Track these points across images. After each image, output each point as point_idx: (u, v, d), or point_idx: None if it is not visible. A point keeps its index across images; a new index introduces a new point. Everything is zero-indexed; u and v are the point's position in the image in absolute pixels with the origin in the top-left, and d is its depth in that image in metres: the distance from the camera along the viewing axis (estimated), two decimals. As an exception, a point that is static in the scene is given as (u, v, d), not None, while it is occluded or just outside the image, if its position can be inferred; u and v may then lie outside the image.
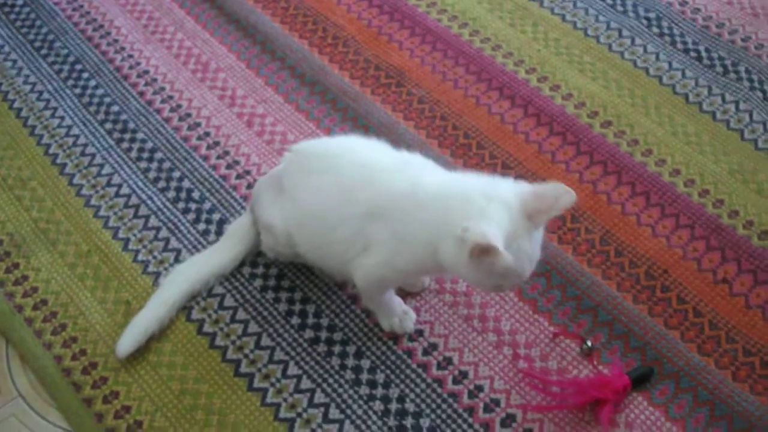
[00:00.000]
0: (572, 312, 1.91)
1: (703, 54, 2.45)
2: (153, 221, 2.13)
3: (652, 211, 2.08)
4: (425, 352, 1.87)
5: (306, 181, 1.73)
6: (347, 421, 1.78)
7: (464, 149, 2.24)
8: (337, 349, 1.88)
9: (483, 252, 1.41)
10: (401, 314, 1.87)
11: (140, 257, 2.07)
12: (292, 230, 1.77)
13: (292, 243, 1.79)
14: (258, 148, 2.26)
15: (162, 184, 2.21)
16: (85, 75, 2.49)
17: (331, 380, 1.84)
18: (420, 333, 1.89)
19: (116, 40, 2.57)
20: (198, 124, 2.33)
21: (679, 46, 2.47)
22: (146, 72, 2.48)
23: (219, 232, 2.08)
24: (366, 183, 1.65)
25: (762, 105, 2.29)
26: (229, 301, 1.97)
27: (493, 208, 1.49)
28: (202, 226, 2.11)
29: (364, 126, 2.28)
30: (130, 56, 2.53)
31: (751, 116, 2.27)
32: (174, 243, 2.09)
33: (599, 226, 2.05)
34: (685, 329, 1.87)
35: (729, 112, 2.28)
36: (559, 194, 1.48)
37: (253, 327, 1.92)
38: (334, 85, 2.40)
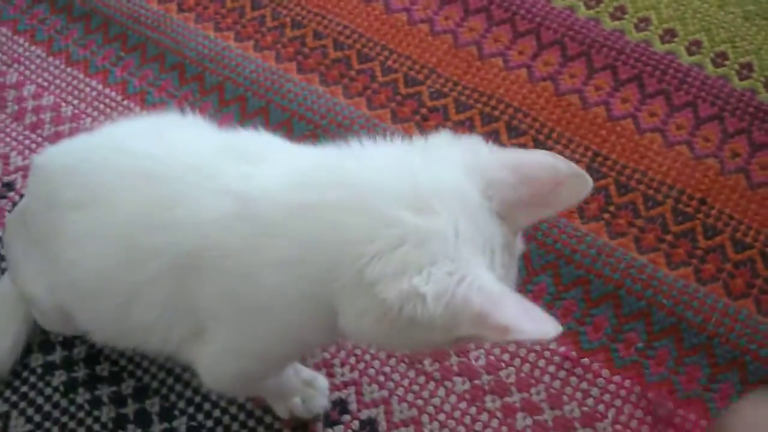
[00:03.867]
0: (579, 307, 1.31)
1: None
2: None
3: (653, 105, 1.51)
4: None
5: (63, 224, 1.07)
6: None
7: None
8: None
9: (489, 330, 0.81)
10: (303, 388, 1.26)
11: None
12: (66, 306, 1.14)
13: (74, 323, 1.17)
14: (18, 140, 1.58)
15: None
16: None
17: None
18: (342, 406, 1.27)
19: None
20: None
21: None
22: None
23: None
24: (160, 212, 0.99)
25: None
26: (17, 425, 1.30)
27: (441, 225, 0.84)
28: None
29: (178, 64, 1.64)
30: None
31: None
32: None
33: (581, 148, 1.47)
34: (758, 292, 1.31)
35: None
36: (559, 176, 0.88)
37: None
38: (117, 11, 1.74)
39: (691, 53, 1.56)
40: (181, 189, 0.99)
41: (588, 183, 0.88)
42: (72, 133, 1.58)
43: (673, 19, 1.60)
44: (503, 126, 1.48)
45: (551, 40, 1.59)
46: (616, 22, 1.60)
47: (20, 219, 1.23)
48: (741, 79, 1.52)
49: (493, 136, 1.46)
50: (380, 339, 0.92)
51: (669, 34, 1.59)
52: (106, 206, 1.04)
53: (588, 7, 1.62)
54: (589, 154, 1.45)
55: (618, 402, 1.23)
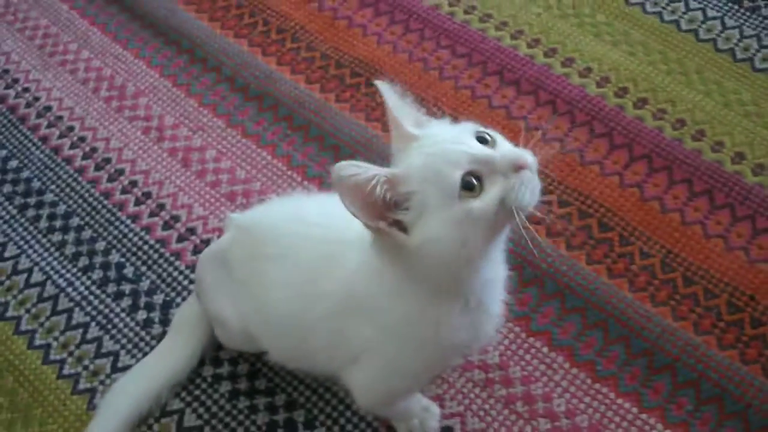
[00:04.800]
0: (643, 373, 1.51)
1: (743, -6, 1.97)
2: (78, 316, 1.67)
3: (720, 216, 1.68)
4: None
5: (261, 270, 1.31)
6: None
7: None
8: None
9: None
10: (420, 412, 1.47)
11: (67, 370, 1.62)
12: (252, 330, 1.37)
13: (255, 343, 1.40)
14: (200, 194, 1.82)
15: (84, 261, 1.74)
16: (-29, 121, 1.96)
17: None
18: None
19: (6, 71, 2.06)
20: (120, 172, 1.87)
21: (712, -13, 1.99)
22: (48, 109, 2.00)
23: (165, 321, 1.64)
24: (327, 265, 1.21)
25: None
26: (190, 419, 1.54)
27: None
28: (141, 315, 1.66)
29: (334, 146, 1.85)
30: (26, 90, 2.04)
31: (817, 69, 1.80)
32: (108, 344, 1.63)
33: (657, 246, 1.65)
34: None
35: None
36: None
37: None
38: (286, 95, 1.95)
39: (755, 174, 1.70)
40: (339, 249, 1.20)
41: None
42: (244, 193, 1.78)
43: (744, 144, 1.75)
44: (595, 222, 1.68)
45: (641, 153, 1.75)
46: (695, 143, 1.76)
47: (217, 258, 1.42)
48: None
49: (586, 230, 1.68)
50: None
51: (738, 156, 1.73)
52: (292, 260, 1.26)
53: (674, 129, 1.78)
54: (663, 251, 1.63)
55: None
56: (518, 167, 0.97)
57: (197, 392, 1.57)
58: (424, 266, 1.02)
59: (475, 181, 0.97)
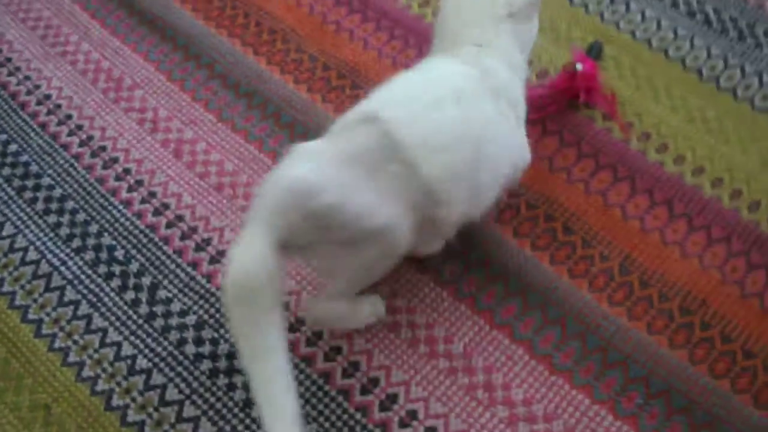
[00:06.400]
0: (597, 368, 1.61)
1: (712, 16, 2.11)
2: (70, 293, 1.77)
3: (677, 224, 1.77)
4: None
5: (427, 116, 1.47)
6: None
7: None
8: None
9: None
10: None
11: (58, 343, 1.72)
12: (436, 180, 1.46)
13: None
14: (190, 184, 1.91)
15: (77, 242, 1.84)
16: (-27, 107, 2.05)
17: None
18: (413, 415, 1.59)
19: (9, 59, 2.15)
20: (115, 160, 1.96)
21: (683, 8, 2.13)
22: (48, 97, 2.10)
23: (151, 302, 1.74)
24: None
25: (788, 74, 1.93)
26: (172, 394, 1.64)
27: None
28: (130, 295, 1.76)
29: None
30: (27, 78, 2.14)
31: (778, 89, 1.90)
32: (98, 321, 1.73)
33: (617, 250, 1.75)
34: (735, 376, 1.58)
35: (752, 88, 1.96)
36: None
37: (207, 427, 1.59)
38: (275, 94, 2.04)
39: (714, 187, 1.79)
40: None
41: None
42: (231, 184, 1.88)
43: (704, 159, 1.84)
44: (560, 225, 1.78)
45: (606, 163, 1.84)
46: (659, 155, 1.84)
47: (353, 160, 1.41)
48: None
49: (551, 232, 1.78)
50: None
51: (699, 170, 1.82)
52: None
53: (639, 141, 1.87)
54: (622, 255, 1.72)
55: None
56: None
57: (179, 368, 1.67)
58: None
59: None
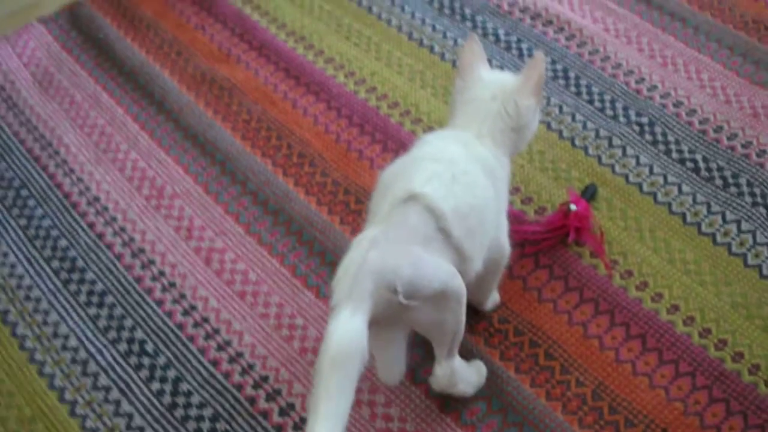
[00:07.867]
0: None
1: (701, 164, 2.29)
2: (102, 380, 1.97)
3: (648, 357, 1.90)
4: None
5: (451, 190, 1.70)
6: None
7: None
8: None
9: None
10: None
11: (89, 423, 1.91)
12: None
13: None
14: (217, 290, 2.09)
15: (113, 334, 2.04)
16: (31, 202, 2.30)
17: None
18: None
19: (65, 161, 2.39)
20: (152, 262, 2.15)
21: (675, 155, 2.31)
22: (97, 199, 2.32)
23: (174, 393, 1.94)
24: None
25: (766, 224, 2.13)
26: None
27: None
28: (155, 386, 1.95)
29: (332, 262, 2.06)
30: (80, 180, 2.37)
31: (754, 238, 2.10)
32: (126, 406, 1.93)
33: (591, 377, 1.90)
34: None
35: (730, 234, 2.12)
36: None
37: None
38: (299, 214, 2.23)
39: (685, 325, 1.93)
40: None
41: None
42: (253, 293, 2.08)
43: (680, 298, 1.98)
44: (542, 351, 1.93)
45: (589, 297, 2.00)
46: (638, 293, 1.99)
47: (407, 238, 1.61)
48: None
49: (533, 357, 1.94)
50: None
51: (674, 308, 1.96)
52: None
53: (621, 278, 2.04)
54: (596, 382, 1.86)
55: None
56: None
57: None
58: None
59: None
